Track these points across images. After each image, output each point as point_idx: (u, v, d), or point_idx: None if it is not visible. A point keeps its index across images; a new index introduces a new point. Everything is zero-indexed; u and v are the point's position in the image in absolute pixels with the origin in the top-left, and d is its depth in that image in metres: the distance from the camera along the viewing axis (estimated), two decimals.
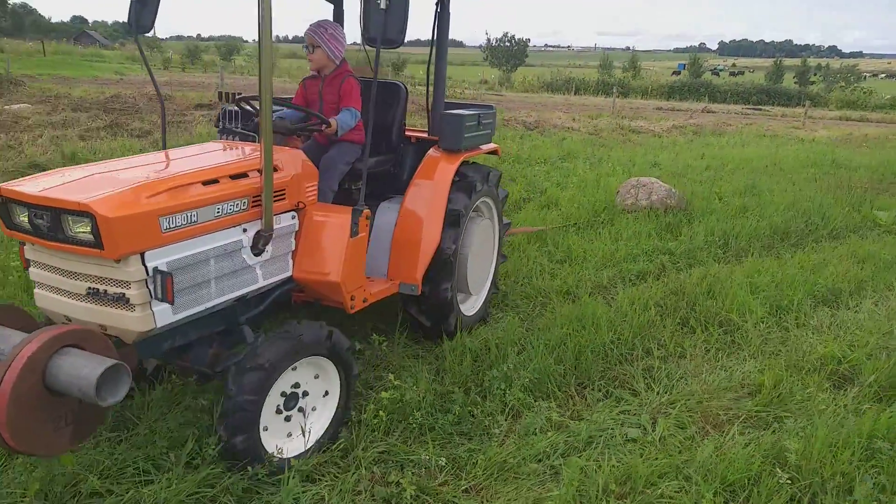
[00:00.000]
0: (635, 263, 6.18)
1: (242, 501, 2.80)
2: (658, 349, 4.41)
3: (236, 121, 3.83)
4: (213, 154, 3.25)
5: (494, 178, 4.66)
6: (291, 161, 3.35)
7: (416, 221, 4.01)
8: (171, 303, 2.62)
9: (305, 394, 3.09)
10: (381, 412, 3.34)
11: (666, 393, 3.88)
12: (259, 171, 3.06)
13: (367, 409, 3.38)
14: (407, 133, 4.67)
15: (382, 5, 3.08)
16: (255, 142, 3.57)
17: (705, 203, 8.35)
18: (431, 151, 4.23)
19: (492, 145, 4.73)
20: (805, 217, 7.91)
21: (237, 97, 3.85)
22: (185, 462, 2.87)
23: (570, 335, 4.31)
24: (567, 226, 7.27)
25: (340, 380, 3.20)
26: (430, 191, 4.06)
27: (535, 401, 3.73)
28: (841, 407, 3.69)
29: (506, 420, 3.54)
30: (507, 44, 63.52)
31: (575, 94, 43.94)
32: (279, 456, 2.92)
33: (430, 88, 4.35)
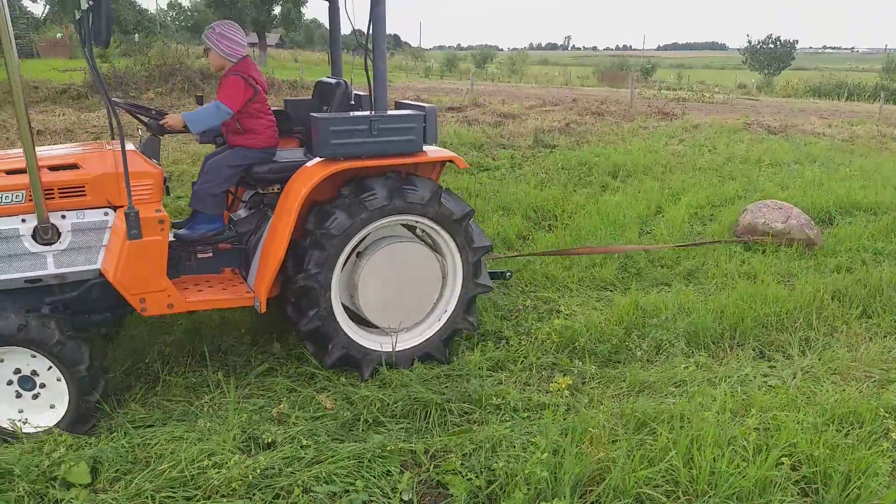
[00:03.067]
0: (835, 258, 6.32)
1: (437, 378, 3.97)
2: (822, 326, 4.76)
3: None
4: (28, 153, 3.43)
5: (426, 193, 3.82)
6: (106, 160, 3.47)
7: (270, 234, 3.81)
8: None
9: (35, 373, 3.32)
10: (553, 333, 4.33)
11: (818, 358, 4.31)
12: (50, 167, 3.37)
13: (541, 330, 4.39)
14: None
15: (84, 5, 3.07)
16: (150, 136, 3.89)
17: None
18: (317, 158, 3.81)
19: (437, 153, 3.98)
20: None
21: (112, 100, 3.61)
22: None
23: (734, 302, 4.86)
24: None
25: (55, 366, 3.29)
26: (285, 201, 3.75)
27: (687, 346, 4.42)
28: None
29: (656, 355, 4.30)
30: (771, 46, 59.03)
31: (846, 99, 39.81)
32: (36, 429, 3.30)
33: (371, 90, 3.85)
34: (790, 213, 6.79)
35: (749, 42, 58.95)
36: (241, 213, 4.28)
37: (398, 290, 3.98)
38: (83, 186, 3.42)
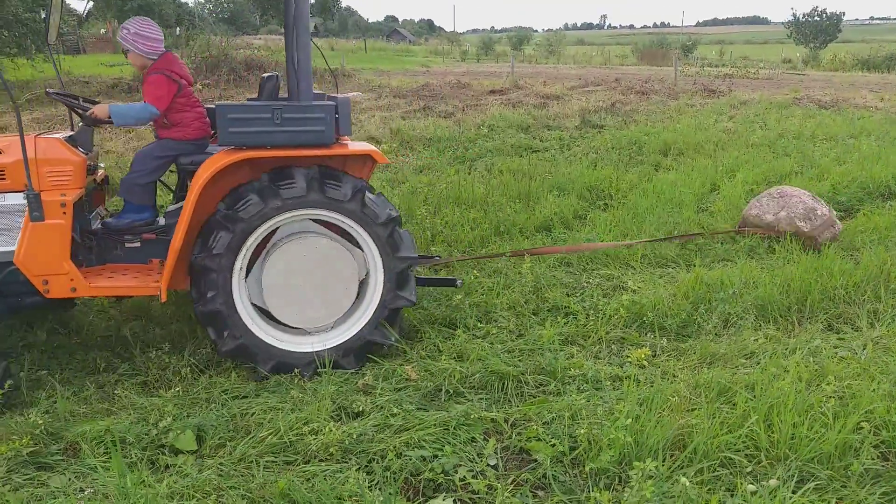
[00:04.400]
0: None
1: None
2: (890, 298, 4.75)
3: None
4: None
5: (348, 191, 3.71)
6: (28, 147, 3.56)
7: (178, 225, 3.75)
8: None
9: None
10: (620, 308, 4.41)
11: (887, 329, 4.31)
12: None
13: (609, 305, 4.47)
14: None
15: None
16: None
17: None
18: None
19: (356, 147, 3.88)
20: None
21: (47, 90, 4.03)
22: None
23: (800, 275, 4.87)
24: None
25: None
26: (190, 192, 3.71)
27: (756, 319, 4.46)
28: None
29: (724, 328, 4.35)
30: (816, 18, 57.25)
31: None
32: None
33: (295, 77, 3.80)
34: (788, 202, 6.03)
35: (794, 15, 57.29)
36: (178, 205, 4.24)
37: (305, 288, 3.82)
38: (3, 170, 3.60)
